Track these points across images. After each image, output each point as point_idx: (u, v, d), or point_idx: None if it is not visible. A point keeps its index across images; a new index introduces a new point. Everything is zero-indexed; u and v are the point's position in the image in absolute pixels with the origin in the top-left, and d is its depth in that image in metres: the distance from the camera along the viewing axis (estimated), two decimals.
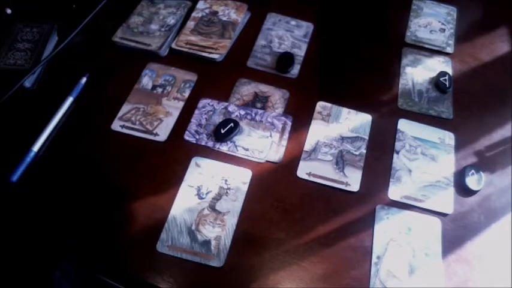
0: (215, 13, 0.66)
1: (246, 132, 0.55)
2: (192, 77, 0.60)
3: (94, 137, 0.54)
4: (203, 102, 0.58)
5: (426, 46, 0.66)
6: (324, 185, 0.52)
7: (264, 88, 0.59)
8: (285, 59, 0.61)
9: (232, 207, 0.49)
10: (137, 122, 0.55)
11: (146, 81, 0.59)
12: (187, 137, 0.55)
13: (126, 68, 0.60)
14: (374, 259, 0.47)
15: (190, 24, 0.64)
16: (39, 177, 0.51)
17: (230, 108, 0.57)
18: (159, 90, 0.58)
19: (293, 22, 0.67)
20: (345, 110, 0.58)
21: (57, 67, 0.60)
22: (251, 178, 0.52)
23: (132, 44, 0.62)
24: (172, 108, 0.57)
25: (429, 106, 0.59)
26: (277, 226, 0.48)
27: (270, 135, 0.55)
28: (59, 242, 0.47)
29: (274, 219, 0.49)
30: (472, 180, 0.52)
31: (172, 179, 0.51)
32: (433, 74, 0.62)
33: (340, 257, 0.47)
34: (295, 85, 0.60)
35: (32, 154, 0.51)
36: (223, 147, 0.54)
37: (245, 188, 0.51)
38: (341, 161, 0.53)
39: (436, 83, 0.61)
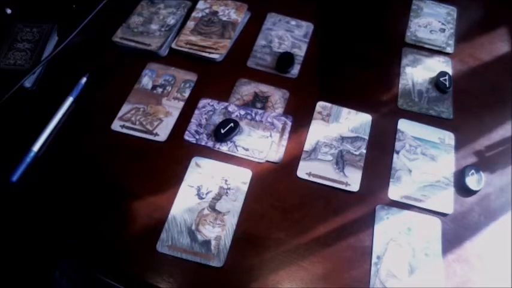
0: (215, 13, 0.66)
1: (246, 132, 0.55)
2: (192, 77, 0.60)
3: (94, 137, 0.54)
4: (203, 102, 0.58)
5: (426, 46, 0.66)
6: (324, 185, 0.52)
7: (264, 88, 0.59)
8: (285, 59, 0.61)
9: (232, 207, 0.49)
10: (137, 122, 0.55)
11: (146, 81, 0.59)
12: (187, 137, 0.55)
13: (126, 68, 0.60)
14: (374, 259, 0.47)
15: (190, 24, 0.64)
16: (39, 177, 0.51)
17: (230, 108, 0.57)
18: (159, 90, 0.58)
19: (293, 22, 0.67)
20: (345, 110, 0.58)
21: (57, 67, 0.60)
22: (251, 178, 0.52)
23: (132, 44, 0.62)
24: (172, 108, 0.57)
25: (429, 106, 0.59)
26: (277, 226, 0.48)
27: (270, 135, 0.55)
28: (59, 242, 0.47)
29: (274, 219, 0.49)
30: (472, 180, 0.52)
31: (172, 179, 0.51)
32: (433, 74, 0.62)
33: (340, 257, 0.47)
34: (295, 85, 0.60)
35: (32, 154, 0.51)
36: (223, 147, 0.54)
37: (245, 188, 0.51)
38: (341, 161, 0.53)
39: (436, 83, 0.61)
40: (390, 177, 0.53)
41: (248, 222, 0.49)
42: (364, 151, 0.54)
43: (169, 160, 0.53)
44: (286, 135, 0.55)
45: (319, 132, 0.56)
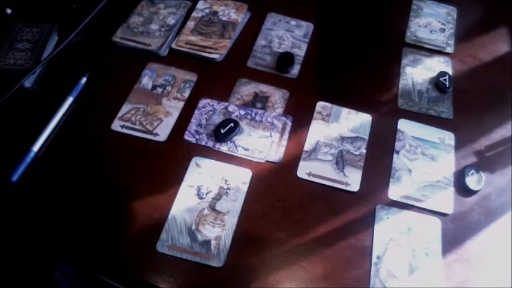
0: (215, 13, 0.66)
1: (246, 132, 0.55)
2: (192, 77, 0.60)
3: (94, 137, 0.54)
4: (203, 102, 0.58)
5: (426, 46, 0.66)
6: (324, 185, 0.52)
7: (264, 88, 0.59)
8: (285, 59, 0.61)
9: (232, 207, 0.49)
10: (137, 122, 0.55)
11: (146, 81, 0.59)
12: (187, 137, 0.55)
13: (126, 68, 0.60)
14: (374, 259, 0.47)
15: (190, 24, 0.64)
16: (39, 177, 0.51)
17: (230, 108, 0.57)
18: (159, 90, 0.58)
19: (293, 22, 0.67)
20: (345, 110, 0.58)
21: (57, 67, 0.60)
22: (251, 178, 0.52)
23: (132, 44, 0.62)
24: (172, 108, 0.57)
25: (429, 106, 0.59)
26: (277, 226, 0.48)
27: (270, 135, 0.55)
28: (58, 242, 0.47)
29: (274, 219, 0.49)
30: (472, 180, 0.52)
31: (172, 179, 0.51)
32: (433, 74, 0.62)
33: (340, 257, 0.47)
34: (295, 85, 0.60)
35: (32, 154, 0.51)
36: (223, 147, 0.54)
37: (245, 188, 0.51)
38: (341, 161, 0.53)
39: (436, 83, 0.61)
40: (390, 177, 0.53)
41: (248, 222, 0.49)
42: (364, 151, 0.54)
43: (169, 160, 0.53)
44: (286, 135, 0.55)
45: (319, 132, 0.56)
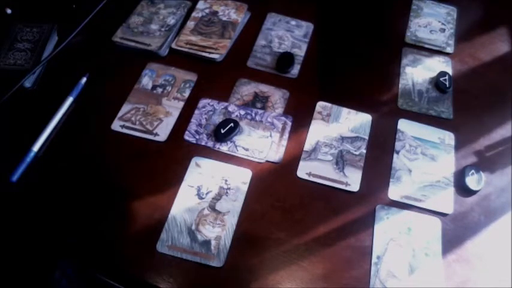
0: (215, 13, 0.66)
1: (246, 132, 0.55)
2: (192, 77, 0.60)
3: (94, 137, 0.54)
4: (203, 102, 0.58)
5: (426, 46, 0.66)
6: (324, 185, 0.52)
7: (264, 88, 0.59)
8: (285, 59, 0.61)
9: (232, 207, 0.49)
10: (137, 122, 0.55)
11: (146, 81, 0.59)
12: (187, 137, 0.55)
13: (126, 68, 0.60)
14: (374, 259, 0.47)
15: (190, 24, 0.64)
16: (39, 177, 0.51)
17: (230, 108, 0.57)
18: (159, 90, 0.58)
19: (293, 22, 0.67)
20: (345, 110, 0.58)
21: (57, 67, 0.60)
22: (251, 178, 0.52)
23: (132, 44, 0.62)
24: (172, 108, 0.57)
25: (429, 106, 0.59)
26: (277, 226, 0.48)
27: (270, 135, 0.55)
28: (58, 242, 0.47)
29: (274, 219, 0.49)
30: (472, 180, 0.52)
31: (172, 179, 0.51)
32: (433, 74, 0.62)
33: (340, 257, 0.47)
34: (295, 85, 0.60)
35: (32, 154, 0.51)
36: (223, 147, 0.54)
37: (245, 188, 0.51)
38: (341, 161, 0.53)
39: (436, 83, 0.61)
40: (390, 177, 0.53)
41: (248, 222, 0.49)
42: (364, 151, 0.54)
43: (169, 160, 0.53)
44: (286, 135, 0.55)
45: (319, 132, 0.56)
